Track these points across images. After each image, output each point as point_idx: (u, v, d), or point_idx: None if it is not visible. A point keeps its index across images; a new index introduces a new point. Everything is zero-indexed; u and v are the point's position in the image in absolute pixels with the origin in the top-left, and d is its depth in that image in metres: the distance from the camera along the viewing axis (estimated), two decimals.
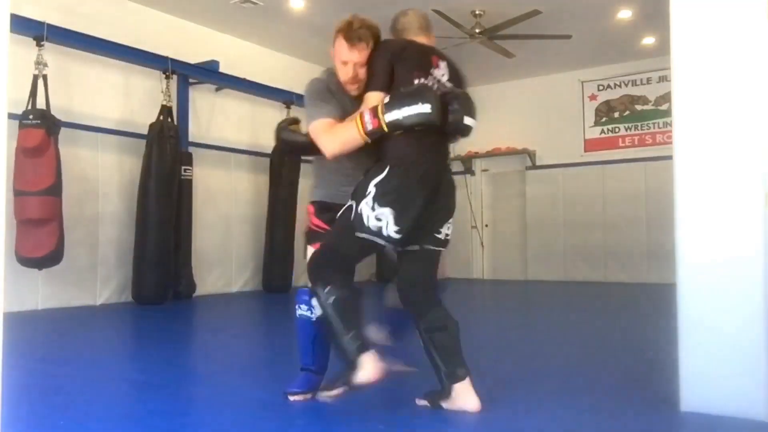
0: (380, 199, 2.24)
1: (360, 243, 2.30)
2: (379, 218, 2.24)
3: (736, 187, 2.26)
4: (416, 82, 2.35)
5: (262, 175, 7.85)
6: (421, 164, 2.30)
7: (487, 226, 10.49)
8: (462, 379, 2.35)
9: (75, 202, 6.02)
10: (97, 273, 6.28)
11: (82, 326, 5.10)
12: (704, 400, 2.25)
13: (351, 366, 2.19)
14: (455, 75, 2.53)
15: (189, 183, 6.80)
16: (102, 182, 6.37)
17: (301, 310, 2.56)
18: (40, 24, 5.44)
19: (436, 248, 2.46)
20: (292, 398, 2.55)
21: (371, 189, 2.25)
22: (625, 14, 7.31)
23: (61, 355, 3.76)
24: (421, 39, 2.57)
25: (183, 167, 6.65)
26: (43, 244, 5.32)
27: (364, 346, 2.19)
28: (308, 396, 2.52)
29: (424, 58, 2.44)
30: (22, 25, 5.22)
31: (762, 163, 2.23)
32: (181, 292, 6.62)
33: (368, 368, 2.17)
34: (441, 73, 2.45)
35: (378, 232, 2.25)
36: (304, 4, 6.89)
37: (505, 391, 2.74)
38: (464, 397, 2.35)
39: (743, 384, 2.20)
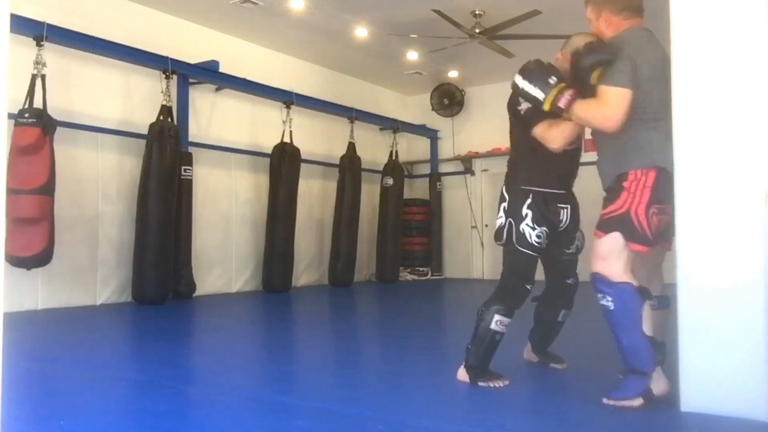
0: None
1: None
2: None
3: (736, 187, 2.26)
4: None
5: (262, 175, 7.85)
6: None
7: (487, 226, 10.47)
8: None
9: (75, 202, 6.02)
10: (97, 273, 6.28)
11: (82, 326, 5.10)
12: (704, 400, 2.25)
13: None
14: None
15: (189, 183, 6.79)
16: (102, 182, 6.37)
17: (601, 301, 2.48)
18: (40, 24, 5.43)
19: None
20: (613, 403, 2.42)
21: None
22: None
23: (62, 355, 3.76)
24: None
25: (183, 167, 6.64)
26: (32, 244, 5.26)
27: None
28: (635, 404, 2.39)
29: None
30: (22, 25, 5.22)
31: (762, 164, 2.23)
32: (181, 292, 6.62)
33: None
34: None
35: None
36: (304, 4, 6.89)
37: (506, 390, 2.75)
38: None
39: (743, 384, 2.20)
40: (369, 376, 3.26)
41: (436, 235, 10.13)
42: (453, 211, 10.25)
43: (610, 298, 2.42)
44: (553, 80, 2.52)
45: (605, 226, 2.48)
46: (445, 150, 10.39)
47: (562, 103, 2.49)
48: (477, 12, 7.04)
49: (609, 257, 2.45)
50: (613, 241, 2.44)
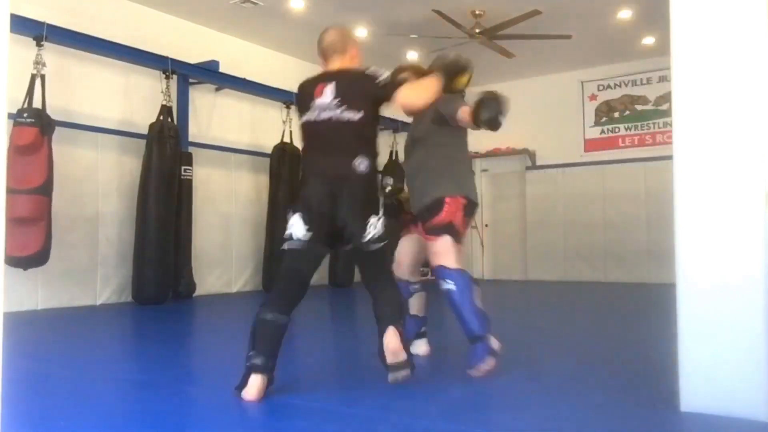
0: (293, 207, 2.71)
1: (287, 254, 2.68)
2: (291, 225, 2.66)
3: (736, 187, 2.26)
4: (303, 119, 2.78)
5: (262, 175, 7.85)
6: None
7: (487, 226, 10.50)
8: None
9: (75, 202, 6.02)
10: (97, 273, 6.28)
11: (82, 326, 5.10)
12: (704, 400, 2.25)
13: None
14: (346, 87, 2.74)
15: (189, 183, 6.79)
16: (102, 182, 6.37)
17: (446, 285, 3.12)
18: (40, 24, 5.44)
19: (368, 248, 2.71)
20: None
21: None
22: (625, 14, 7.31)
23: (61, 355, 3.76)
24: (330, 65, 2.88)
25: (183, 167, 6.65)
26: (29, 244, 5.26)
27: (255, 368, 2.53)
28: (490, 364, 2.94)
29: (305, 96, 2.79)
30: (22, 25, 5.22)
31: (762, 163, 2.22)
32: (181, 292, 6.62)
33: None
34: (325, 99, 2.71)
35: (289, 237, 2.65)
36: (304, 4, 6.90)
37: (505, 390, 2.75)
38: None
39: (743, 384, 2.20)
40: (369, 376, 3.25)
41: None
42: None
43: (451, 281, 3.10)
44: None
45: (435, 231, 3.18)
46: None
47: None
48: (477, 12, 7.04)
49: (445, 253, 3.15)
50: (445, 242, 3.16)
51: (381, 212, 2.72)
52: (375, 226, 2.68)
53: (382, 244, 2.72)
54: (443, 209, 3.16)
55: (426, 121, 3.26)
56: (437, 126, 3.23)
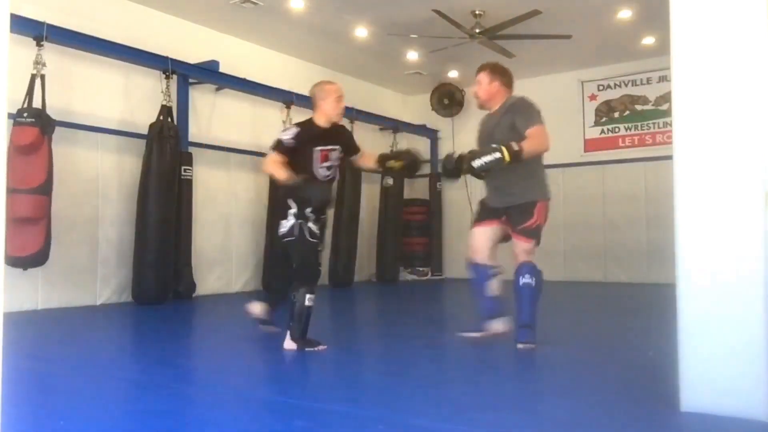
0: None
1: None
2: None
3: (736, 187, 2.26)
4: None
5: (262, 175, 7.82)
6: None
7: None
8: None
9: (75, 202, 6.02)
10: (97, 273, 6.28)
11: (82, 326, 5.10)
12: (704, 400, 2.25)
13: None
14: None
15: (189, 183, 6.79)
16: (102, 182, 6.37)
17: (526, 279, 3.60)
18: (40, 24, 5.44)
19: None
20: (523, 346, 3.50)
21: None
22: (625, 14, 7.30)
23: (62, 355, 3.76)
24: None
25: (183, 167, 6.64)
26: (29, 244, 5.25)
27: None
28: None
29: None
30: (22, 25, 5.22)
31: (762, 163, 2.22)
32: (181, 292, 6.62)
33: None
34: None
35: None
36: (304, 4, 6.89)
37: (505, 390, 2.75)
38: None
39: (743, 384, 2.20)
40: (369, 376, 3.26)
41: (436, 235, 10.12)
42: (453, 211, 10.24)
43: (534, 278, 3.60)
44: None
45: (530, 234, 3.69)
46: (445, 150, 10.35)
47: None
48: (477, 12, 7.04)
49: (532, 253, 3.68)
50: (533, 244, 3.70)
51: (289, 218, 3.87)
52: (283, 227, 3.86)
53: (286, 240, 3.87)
54: (534, 213, 3.69)
55: (504, 127, 3.73)
56: (514, 134, 3.64)
